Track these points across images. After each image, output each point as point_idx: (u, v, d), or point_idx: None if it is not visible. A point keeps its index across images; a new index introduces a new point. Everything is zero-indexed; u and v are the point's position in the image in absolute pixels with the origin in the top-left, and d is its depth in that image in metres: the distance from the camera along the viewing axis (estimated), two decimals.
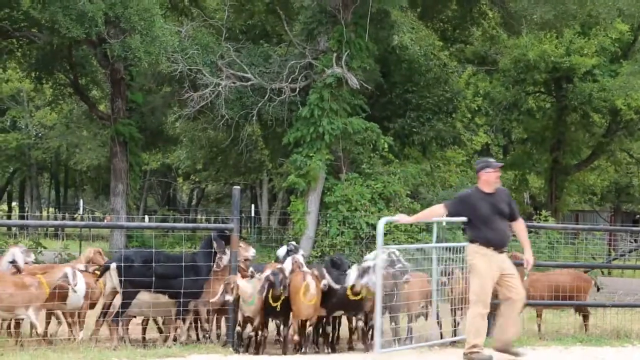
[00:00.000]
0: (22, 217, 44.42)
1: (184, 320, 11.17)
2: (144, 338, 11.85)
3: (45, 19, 20.66)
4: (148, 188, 45.46)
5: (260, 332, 11.09)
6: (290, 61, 22.75)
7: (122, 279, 10.91)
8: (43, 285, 10.48)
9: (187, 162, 38.40)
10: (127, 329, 11.42)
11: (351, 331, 11.46)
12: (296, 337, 10.74)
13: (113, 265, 11.09)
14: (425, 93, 26.94)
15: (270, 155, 27.84)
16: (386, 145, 23.52)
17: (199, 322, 11.49)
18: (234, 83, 22.64)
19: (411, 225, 22.44)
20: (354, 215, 22.24)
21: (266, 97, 22.57)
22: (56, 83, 28.86)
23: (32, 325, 10.44)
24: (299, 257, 11.65)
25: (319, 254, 22.09)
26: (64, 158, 43.32)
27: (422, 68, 27.01)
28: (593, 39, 30.45)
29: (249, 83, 22.68)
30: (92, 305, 11.51)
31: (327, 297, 10.72)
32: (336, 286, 10.63)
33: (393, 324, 10.86)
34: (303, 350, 10.71)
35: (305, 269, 11.14)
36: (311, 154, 22.26)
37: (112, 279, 11.12)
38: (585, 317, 13.29)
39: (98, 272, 11.50)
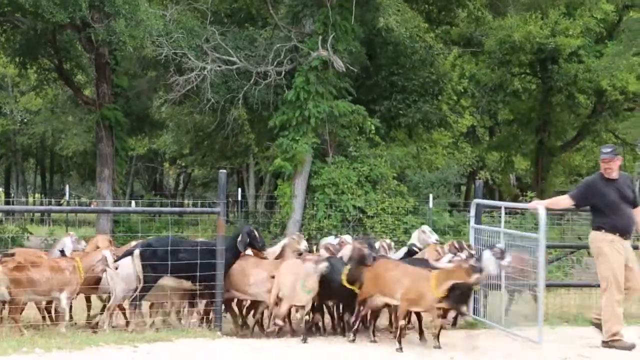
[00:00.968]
0: (7, 203, 44.23)
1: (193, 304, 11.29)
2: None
3: (29, 3, 20.49)
4: (134, 173, 45.38)
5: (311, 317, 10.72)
6: (275, 44, 22.70)
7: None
8: (78, 269, 10.60)
9: (173, 146, 38.33)
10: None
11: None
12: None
13: (136, 252, 11.07)
14: (411, 75, 26.94)
15: (257, 139, 27.81)
16: (373, 128, 23.53)
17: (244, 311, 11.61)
18: (219, 67, 22.57)
19: (398, 207, 22.52)
20: (341, 198, 22.27)
21: (252, 80, 22.54)
22: (41, 68, 28.67)
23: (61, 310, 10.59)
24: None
25: (306, 237, 22.08)
26: (49, 144, 43.21)
27: (407, 50, 26.99)
28: (578, 20, 30.50)
29: (235, 67, 22.63)
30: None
31: None
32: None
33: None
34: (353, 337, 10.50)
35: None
36: (297, 138, 22.26)
37: (134, 265, 11.11)
38: None
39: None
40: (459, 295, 9.42)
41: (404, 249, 12.72)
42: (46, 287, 10.35)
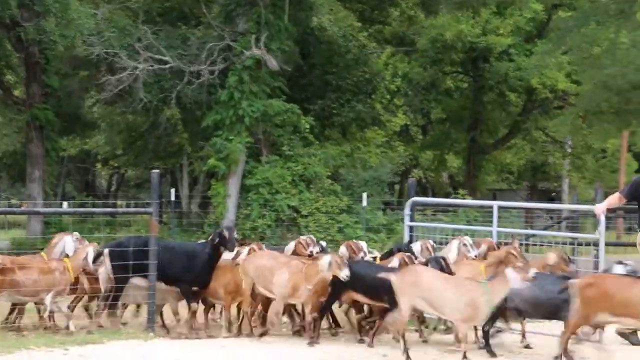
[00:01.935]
0: None
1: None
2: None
3: None
4: (66, 174, 44.69)
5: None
6: (208, 43, 22.59)
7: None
8: (68, 270, 10.59)
9: (105, 147, 37.87)
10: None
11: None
12: None
13: (106, 251, 10.94)
14: (344, 74, 27.04)
15: (190, 139, 27.63)
16: (307, 126, 23.58)
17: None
18: (151, 66, 22.39)
19: (332, 206, 22.60)
20: (275, 197, 22.27)
21: (185, 80, 22.42)
22: None
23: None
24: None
25: (241, 237, 22.03)
26: None
27: (341, 49, 27.10)
28: (508, 19, 30.94)
29: (167, 66, 22.47)
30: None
31: None
32: None
33: None
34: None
35: None
36: (231, 137, 22.20)
37: (105, 264, 11.00)
38: None
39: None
40: None
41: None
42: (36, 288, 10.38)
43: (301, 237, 12.15)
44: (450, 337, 10.43)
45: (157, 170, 11.71)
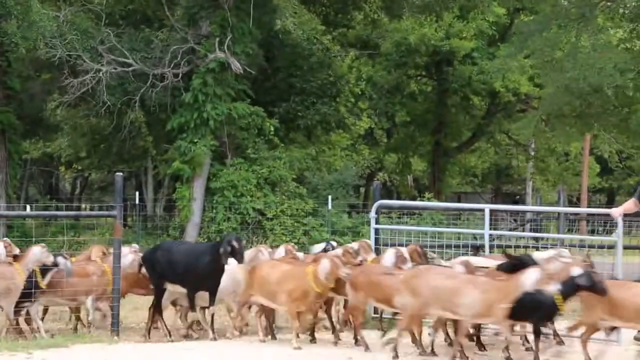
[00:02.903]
0: None
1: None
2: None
3: None
4: (29, 177, 44.35)
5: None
6: (172, 46, 22.52)
7: None
8: (106, 273, 10.91)
9: (69, 150, 37.59)
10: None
11: None
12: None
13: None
14: (309, 77, 27.04)
15: (155, 142, 27.53)
16: (272, 129, 23.56)
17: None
18: (115, 69, 22.28)
19: (297, 209, 22.61)
20: (240, 200, 22.24)
21: (148, 82, 22.30)
22: None
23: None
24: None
25: (205, 240, 22.03)
26: None
27: (305, 52, 27.10)
28: (471, 23, 31.15)
29: (131, 69, 22.37)
30: None
31: None
32: None
33: None
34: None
35: None
36: (195, 140, 22.14)
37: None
38: None
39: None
40: None
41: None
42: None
43: (351, 244, 12.04)
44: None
45: (121, 173, 11.67)
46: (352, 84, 31.88)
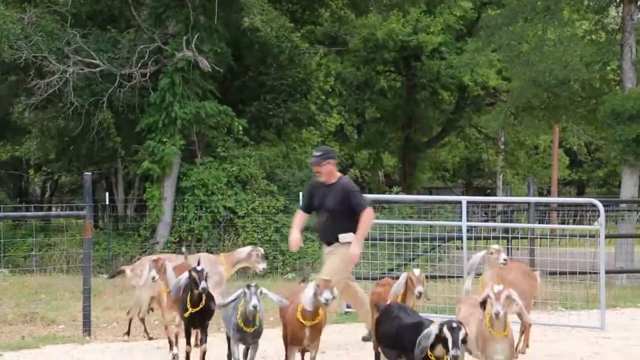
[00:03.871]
0: None
1: None
2: None
3: None
4: None
5: None
6: (139, 46, 22.41)
7: None
8: None
9: (38, 153, 37.33)
10: None
11: None
12: None
13: None
14: (279, 75, 27.06)
15: (124, 143, 27.36)
16: (241, 128, 23.54)
17: None
18: (81, 70, 22.15)
19: (268, 206, 22.59)
20: (211, 199, 22.20)
21: (116, 83, 22.18)
22: None
23: None
24: None
25: (177, 239, 21.99)
26: None
27: (274, 50, 27.05)
28: (438, 17, 31.32)
29: (98, 69, 22.24)
30: None
31: None
32: None
33: None
34: None
35: None
36: (165, 140, 22.07)
37: None
38: None
39: None
40: None
41: None
42: None
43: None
44: None
45: (89, 173, 11.60)
46: (322, 81, 31.92)
